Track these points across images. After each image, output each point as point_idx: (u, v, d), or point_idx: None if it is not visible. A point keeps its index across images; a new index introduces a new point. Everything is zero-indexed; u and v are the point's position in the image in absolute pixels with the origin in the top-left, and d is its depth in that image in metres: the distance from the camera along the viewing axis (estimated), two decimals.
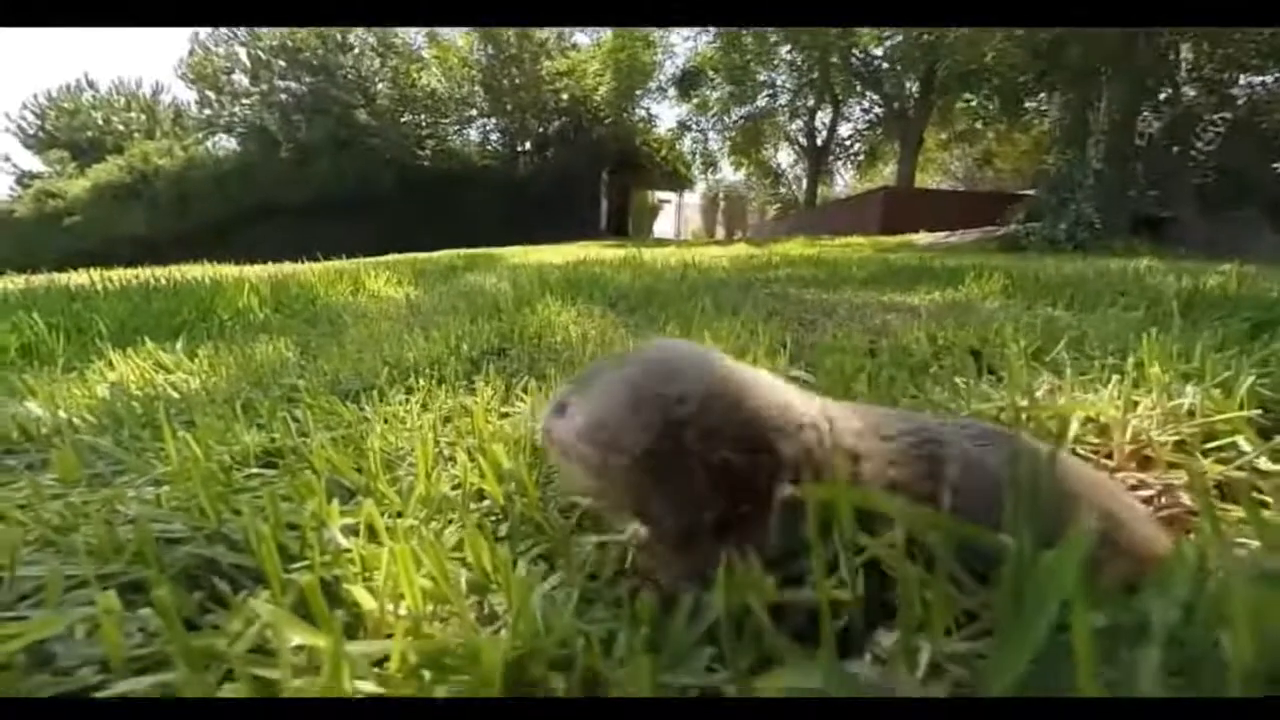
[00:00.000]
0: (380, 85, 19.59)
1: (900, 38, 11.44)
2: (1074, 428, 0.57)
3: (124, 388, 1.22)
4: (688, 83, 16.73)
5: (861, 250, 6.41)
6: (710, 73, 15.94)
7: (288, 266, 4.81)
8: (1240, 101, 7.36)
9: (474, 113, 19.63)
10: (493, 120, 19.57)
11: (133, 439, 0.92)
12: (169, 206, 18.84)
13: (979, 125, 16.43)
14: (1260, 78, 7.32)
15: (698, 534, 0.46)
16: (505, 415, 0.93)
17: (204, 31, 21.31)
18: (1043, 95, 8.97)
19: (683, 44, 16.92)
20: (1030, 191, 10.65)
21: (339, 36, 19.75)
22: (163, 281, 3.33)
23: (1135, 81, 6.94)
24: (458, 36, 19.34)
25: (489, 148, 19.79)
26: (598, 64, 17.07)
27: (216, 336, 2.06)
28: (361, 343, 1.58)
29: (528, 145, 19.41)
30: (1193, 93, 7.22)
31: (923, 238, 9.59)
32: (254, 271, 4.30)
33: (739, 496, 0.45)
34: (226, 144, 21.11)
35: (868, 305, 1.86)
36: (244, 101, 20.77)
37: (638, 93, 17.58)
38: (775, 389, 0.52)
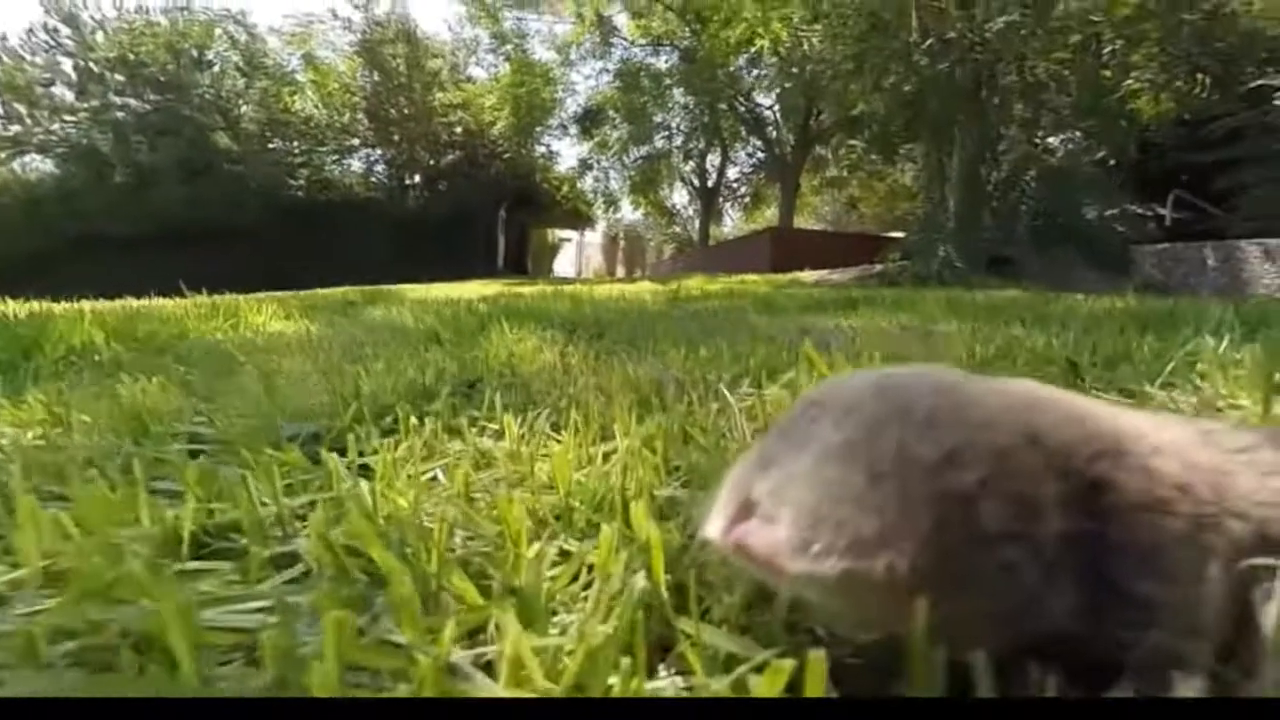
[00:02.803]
0: (245, 108, 17.82)
1: (786, 86, 12.52)
2: None
3: None
4: (589, 121, 17.02)
5: (759, 286, 6.68)
6: (611, 112, 16.36)
7: (135, 302, 4.01)
8: (1059, 154, 8.86)
9: (356, 142, 18.43)
10: (378, 151, 18.50)
11: None
12: None
13: (845, 173, 18.38)
14: (1067, 133, 8.90)
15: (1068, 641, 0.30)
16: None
17: (14, 38, 18.30)
18: (909, 146, 10.19)
19: (584, 82, 17.24)
20: (894, 234, 11.91)
21: (194, 53, 17.85)
22: None
23: (982, 133, 8.08)
24: (339, 61, 18.24)
25: (374, 179, 18.61)
26: (495, 98, 16.84)
27: (50, 378, 1.57)
28: (272, 379, 1.25)
29: (417, 178, 18.52)
30: (1020, 145, 8.55)
31: (809, 275, 10.30)
32: (91, 306, 3.52)
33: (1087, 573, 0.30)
34: (41, 165, 18.03)
35: (840, 328, 1.84)
36: (67, 119, 17.90)
37: (538, 129, 17.52)
38: (1056, 403, 0.38)
